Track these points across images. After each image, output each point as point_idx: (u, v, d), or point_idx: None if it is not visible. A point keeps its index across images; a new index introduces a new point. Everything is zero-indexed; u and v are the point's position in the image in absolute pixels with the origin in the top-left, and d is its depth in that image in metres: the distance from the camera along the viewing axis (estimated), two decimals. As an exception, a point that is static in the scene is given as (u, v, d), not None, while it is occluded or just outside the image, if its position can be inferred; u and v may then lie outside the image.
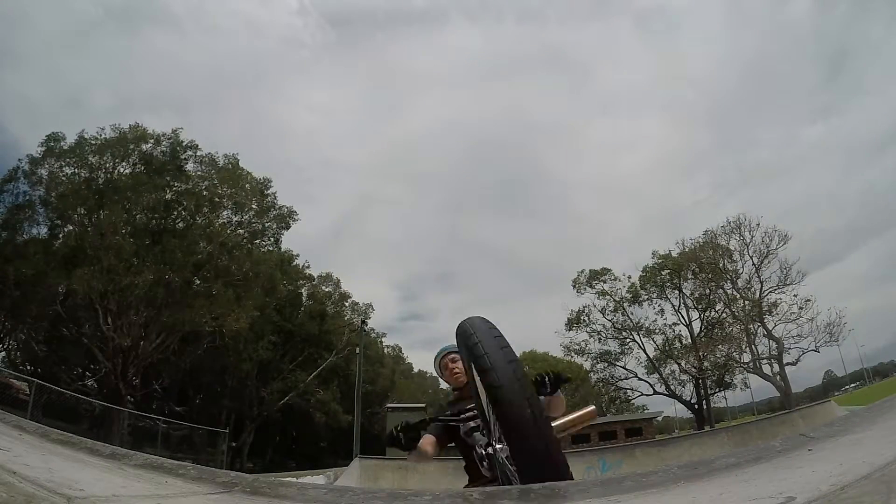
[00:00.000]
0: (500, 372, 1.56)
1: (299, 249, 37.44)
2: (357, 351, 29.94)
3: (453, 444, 2.45)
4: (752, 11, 66.11)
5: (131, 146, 25.58)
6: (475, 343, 1.71)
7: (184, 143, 26.68)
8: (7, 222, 25.16)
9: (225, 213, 27.41)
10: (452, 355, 2.61)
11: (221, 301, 25.24)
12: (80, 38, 53.82)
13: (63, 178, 24.75)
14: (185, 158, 26.69)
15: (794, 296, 29.78)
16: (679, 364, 35.35)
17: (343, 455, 30.08)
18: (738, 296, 31.79)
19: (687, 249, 34.27)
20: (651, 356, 36.62)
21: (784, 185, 58.84)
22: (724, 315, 33.46)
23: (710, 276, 33.12)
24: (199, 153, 26.97)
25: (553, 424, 1.84)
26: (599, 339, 37.68)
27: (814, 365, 77.25)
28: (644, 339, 36.84)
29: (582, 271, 38.11)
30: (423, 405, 29.56)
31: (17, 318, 25.19)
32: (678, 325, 36.34)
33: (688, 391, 36.20)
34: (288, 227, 29.96)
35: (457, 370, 2.51)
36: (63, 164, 24.97)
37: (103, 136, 25.39)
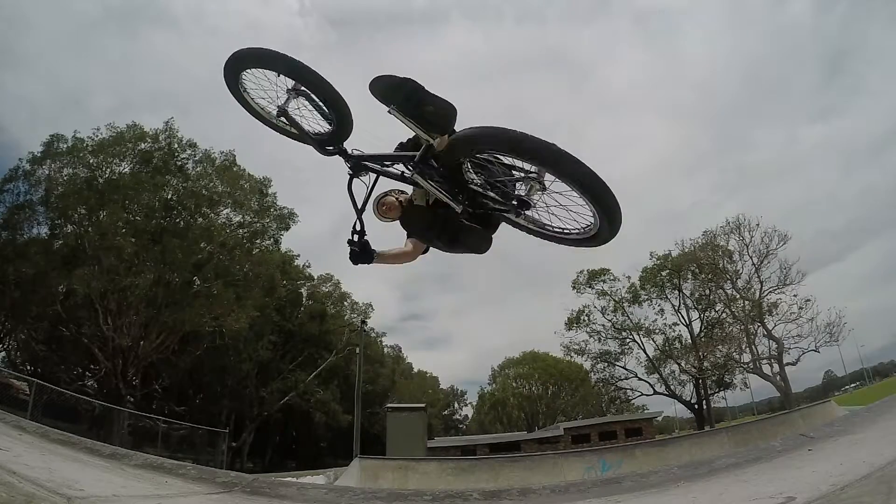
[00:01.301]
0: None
1: (299, 250, 37.40)
2: (357, 351, 29.90)
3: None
4: (751, 12, 66.04)
5: (129, 145, 25.54)
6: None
7: (183, 142, 26.66)
8: (7, 222, 25.14)
9: (224, 212, 27.40)
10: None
11: (221, 301, 25.21)
12: (80, 39, 53.74)
13: (63, 179, 24.74)
14: (185, 158, 26.66)
15: (794, 296, 29.80)
16: (679, 364, 35.32)
17: (343, 455, 30.04)
18: (738, 296, 31.77)
19: (686, 250, 34.25)
20: (651, 356, 36.61)
21: (784, 185, 58.80)
22: (723, 315, 33.45)
23: (709, 276, 33.10)
24: (197, 152, 26.93)
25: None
26: (599, 339, 37.69)
27: (814, 365, 77.25)
28: (644, 339, 36.86)
29: (581, 271, 38.12)
30: (423, 405, 29.51)
31: (17, 318, 25.17)
32: (678, 325, 36.36)
33: (688, 391, 36.22)
34: (287, 228, 29.97)
35: (388, 212, 2.95)
36: (62, 164, 24.96)
37: (99, 136, 25.37)
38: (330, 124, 2.78)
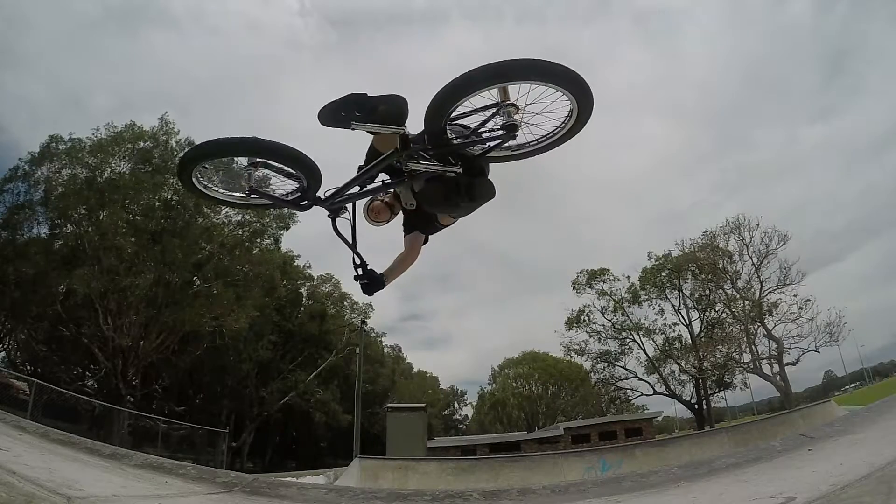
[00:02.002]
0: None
1: (299, 250, 37.38)
2: (357, 351, 29.91)
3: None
4: (751, 12, 66.01)
5: (129, 145, 25.53)
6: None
7: (181, 141, 26.63)
8: (7, 222, 25.13)
9: (224, 210, 27.35)
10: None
11: (221, 301, 25.20)
12: (80, 39, 53.69)
13: (62, 180, 24.73)
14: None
15: (794, 296, 29.83)
16: (679, 364, 35.32)
17: (343, 455, 30.03)
18: (738, 296, 31.78)
19: (686, 250, 34.27)
20: (651, 356, 36.60)
21: (784, 186, 58.64)
22: (723, 315, 33.45)
23: (709, 276, 33.12)
24: None
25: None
26: (599, 339, 37.68)
27: (814, 365, 77.09)
28: (644, 339, 36.85)
29: (581, 271, 38.15)
30: (423, 405, 29.52)
31: (17, 318, 25.17)
32: (678, 325, 36.35)
33: (688, 391, 36.21)
34: (287, 228, 29.94)
35: (379, 216, 3.05)
36: (60, 165, 24.97)
37: (98, 136, 25.34)
38: (298, 181, 2.78)
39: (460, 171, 2.50)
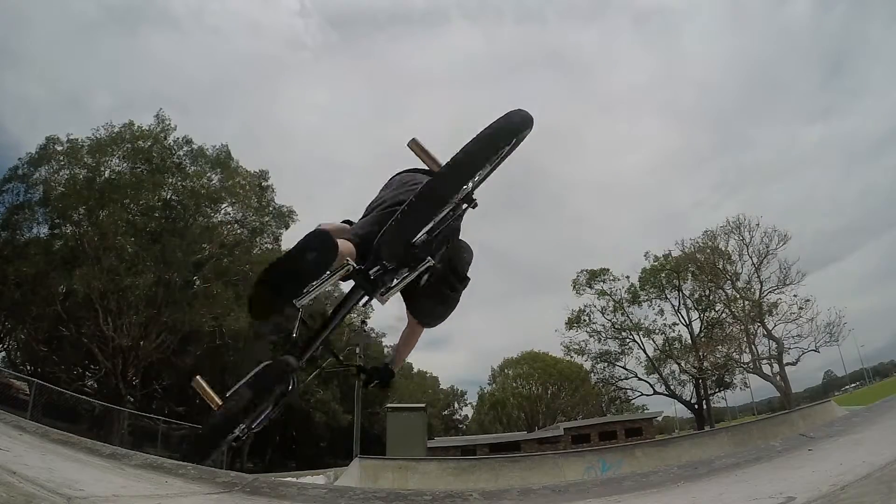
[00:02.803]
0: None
1: (299, 249, 37.45)
2: (357, 351, 29.93)
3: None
4: (751, 12, 66.12)
5: (127, 144, 25.54)
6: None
7: (179, 139, 26.65)
8: (7, 222, 25.15)
9: (224, 207, 27.37)
10: None
11: (221, 301, 25.22)
12: (80, 39, 53.71)
13: (61, 180, 24.75)
14: (181, 155, 26.63)
15: (794, 296, 29.88)
16: (679, 364, 35.35)
17: (343, 455, 30.04)
18: (738, 296, 31.80)
19: (686, 251, 34.30)
20: (651, 356, 36.63)
21: (784, 186, 58.79)
22: (723, 315, 33.48)
23: (709, 277, 33.16)
24: (193, 148, 26.92)
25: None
26: (599, 339, 37.72)
27: (814, 365, 77.14)
28: (644, 339, 36.90)
29: (581, 271, 38.17)
30: (423, 405, 29.54)
31: (17, 318, 25.19)
32: (678, 325, 36.39)
33: (688, 391, 36.25)
34: (287, 227, 29.97)
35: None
36: (58, 166, 25.00)
37: (97, 135, 25.36)
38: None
39: (432, 262, 2.22)
